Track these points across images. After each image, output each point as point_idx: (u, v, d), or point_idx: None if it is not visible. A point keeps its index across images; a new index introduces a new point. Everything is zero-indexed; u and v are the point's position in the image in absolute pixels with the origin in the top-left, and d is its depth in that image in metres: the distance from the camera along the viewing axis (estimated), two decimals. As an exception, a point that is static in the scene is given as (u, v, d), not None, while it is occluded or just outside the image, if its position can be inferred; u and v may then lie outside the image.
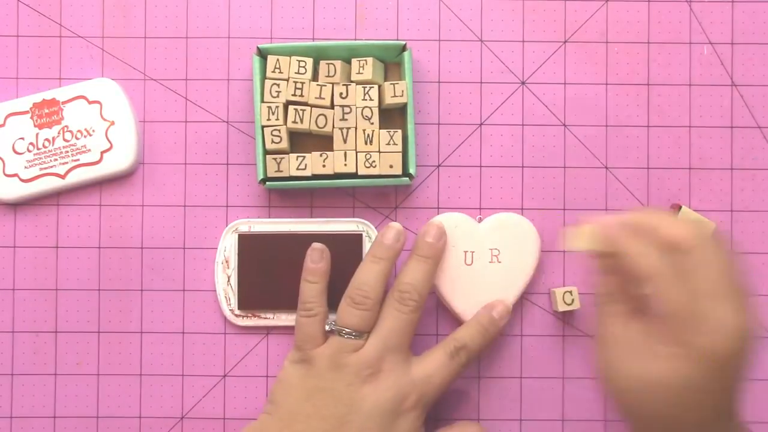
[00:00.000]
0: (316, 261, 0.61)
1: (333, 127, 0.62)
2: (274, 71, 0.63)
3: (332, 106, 0.63)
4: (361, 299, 0.59)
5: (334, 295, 0.61)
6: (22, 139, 0.64)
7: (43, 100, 0.64)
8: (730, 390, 0.52)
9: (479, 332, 0.61)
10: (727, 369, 0.50)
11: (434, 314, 0.65)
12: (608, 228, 0.53)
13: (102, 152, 0.64)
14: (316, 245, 0.61)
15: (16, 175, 0.64)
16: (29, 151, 0.64)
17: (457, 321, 0.64)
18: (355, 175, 0.63)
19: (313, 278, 0.60)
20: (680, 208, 0.64)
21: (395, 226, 0.61)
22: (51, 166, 0.64)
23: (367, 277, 0.60)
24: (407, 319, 0.60)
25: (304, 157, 0.62)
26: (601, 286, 0.54)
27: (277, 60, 0.63)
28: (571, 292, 0.63)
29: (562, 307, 0.63)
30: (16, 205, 0.65)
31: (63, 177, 0.64)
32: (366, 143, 0.62)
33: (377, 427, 0.58)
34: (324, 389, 0.58)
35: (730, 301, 0.49)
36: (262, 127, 0.62)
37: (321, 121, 0.62)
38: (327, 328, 0.60)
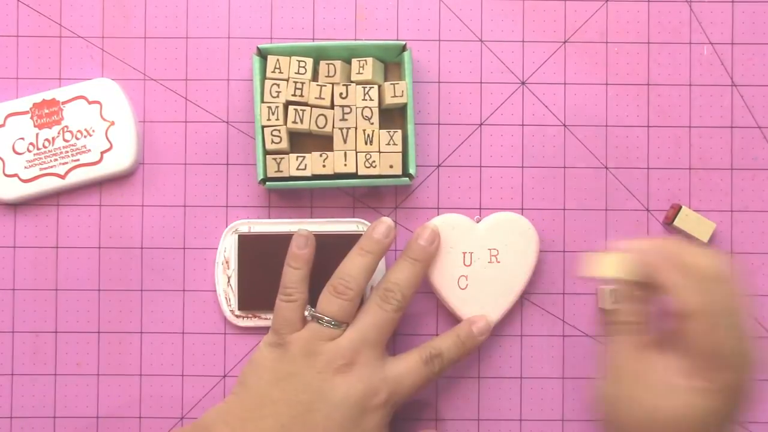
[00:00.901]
0: (301, 247, 0.60)
1: (333, 127, 0.62)
2: (274, 71, 0.63)
3: (332, 106, 0.63)
4: (343, 289, 0.59)
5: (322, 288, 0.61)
6: (22, 139, 0.64)
7: (43, 100, 0.64)
8: (732, 421, 0.52)
9: (456, 344, 0.61)
10: (739, 401, 0.51)
11: (434, 314, 0.65)
12: (647, 257, 0.52)
13: (102, 152, 0.64)
14: (301, 231, 0.61)
15: (16, 175, 0.64)
16: (29, 151, 0.64)
17: (456, 321, 0.64)
18: (355, 175, 0.63)
19: (296, 264, 0.60)
20: (680, 208, 0.64)
21: (386, 220, 0.61)
22: (51, 166, 0.64)
23: (351, 268, 0.60)
24: (388, 317, 0.59)
25: (304, 157, 0.62)
26: (622, 315, 0.54)
27: (277, 60, 0.63)
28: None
29: (609, 306, 0.63)
30: (16, 205, 0.65)
31: (63, 177, 0.64)
32: (366, 143, 0.62)
33: (342, 419, 0.57)
34: (294, 374, 0.58)
35: (748, 335, 0.51)
36: (262, 127, 0.62)
37: (321, 121, 0.62)
38: (306, 314, 0.60)
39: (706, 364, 0.50)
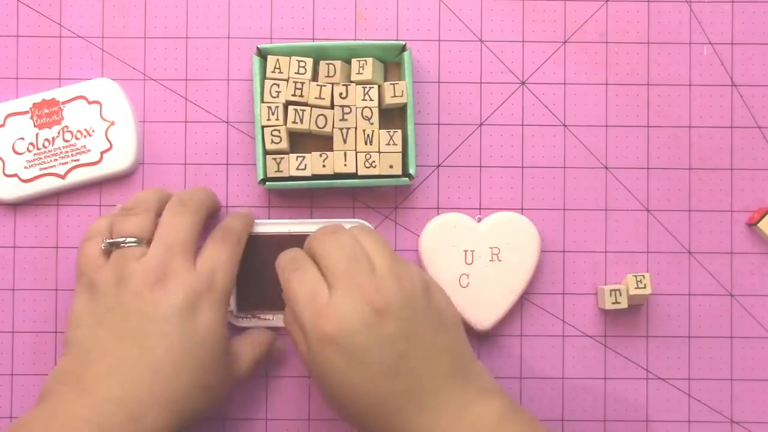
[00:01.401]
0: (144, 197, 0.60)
1: (333, 127, 0.62)
2: (274, 71, 0.63)
3: (332, 106, 0.63)
4: (131, 206, 0.59)
5: None
6: (22, 139, 0.64)
7: (43, 100, 0.64)
8: (385, 368, 0.52)
9: (238, 215, 0.62)
10: (352, 346, 0.52)
11: (434, 314, 0.65)
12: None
13: (102, 152, 0.64)
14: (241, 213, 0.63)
15: (16, 175, 0.64)
16: (29, 151, 0.64)
17: (457, 321, 0.64)
18: (355, 176, 0.63)
19: (134, 210, 0.59)
20: (767, 212, 0.64)
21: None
22: (51, 166, 0.64)
23: (143, 193, 0.60)
24: (188, 219, 0.58)
25: (304, 157, 0.62)
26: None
27: (277, 60, 0.63)
28: (619, 291, 0.63)
29: (609, 306, 0.63)
30: (16, 205, 0.65)
31: (63, 177, 0.64)
32: (366, 143, 0.62)
33: (175, 330, 0.55)
34: (113, 307, 0.55)
35: (341, 283, 0.53)
36: (262, 127, 0.62)
37: (321, 121, 0.62)
38: (103, 245, 0.58)
39: (295, 313, 0.55)
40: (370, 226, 0.60)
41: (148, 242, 0.58)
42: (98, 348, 0.55)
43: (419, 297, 0.54)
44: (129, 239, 0.57)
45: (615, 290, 0.62)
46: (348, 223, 0.64)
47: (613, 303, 0.62)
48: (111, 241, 0.58)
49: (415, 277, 0.55)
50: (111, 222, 0.59)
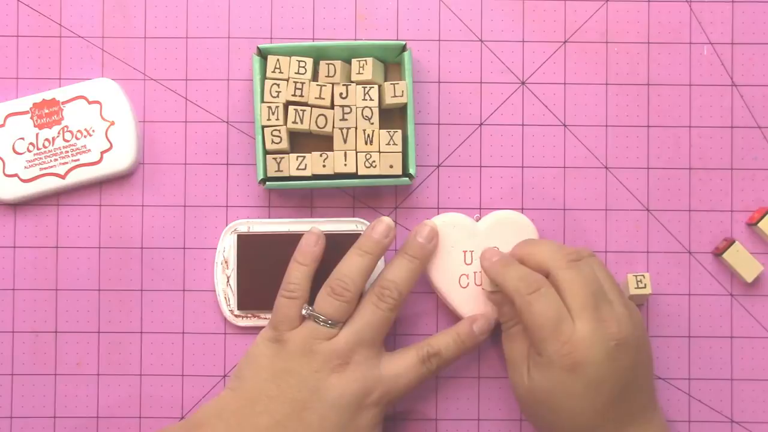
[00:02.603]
0: (311, 245, 0.61)
1: (333, 127, 0.62)
2: (274, 71, 0.63)
3: (332, 106, 0.63)
4: (341, 290, 0.59)
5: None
6: (22, 139, 0.64)
7: (43, 100, 0.64)
8: (614, 396, 0.57)
9: (455, 342, 0.61)
10: (593, 376, 0.56)
11: (434, 314, 0.65)
12: (487, 263, 0.61)
13: (102, 152, 0.64)
14: (314, 229, 0.61)
15: (16, 175, 0.64)
16: (29, 151, 0.64)
17: (457, 321, 0.64)
18: (355, 175, 0.63)
19: (303, 260, 0.60)
20: (733, 242, 0.64)
21: (385, 220, 0.61)
22: (51, 166, 0.64)
23: (349, 268, 0.60)
24: (384, 315, 0.60)
25: (304, 157, 0.62)
26: (501, 315, 0.61)
27: (277, 60, 0.63)
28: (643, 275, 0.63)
29: (632, 291, 0.63)
30: (16, 205, 0.65)
31: (63, 177, 0.64)
32: (366, 143, 0.62)
33: (337, 418, 0.58)
34: (291, 372, 0.58)
35: (588, 315, 0.56)
36: (262, 127, 0.62)
37: (321, 121, 0.63)
38: (304, 312, 0.60)
39: (537, 339, 0.57)
40: (597, 256, 0.60)
41: (343, 324, 0.60)
42: (265, 403, 0.58)
43: (644, 332, 0.59)
44: (326, 319, 0.59)
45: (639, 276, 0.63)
46: (348, 223, 0.64)
47: (635, 288, 0.62)
48: (312, 313, 0.59)
49: (638, 312, 0.59)
50: (309, 274, 0.60)
